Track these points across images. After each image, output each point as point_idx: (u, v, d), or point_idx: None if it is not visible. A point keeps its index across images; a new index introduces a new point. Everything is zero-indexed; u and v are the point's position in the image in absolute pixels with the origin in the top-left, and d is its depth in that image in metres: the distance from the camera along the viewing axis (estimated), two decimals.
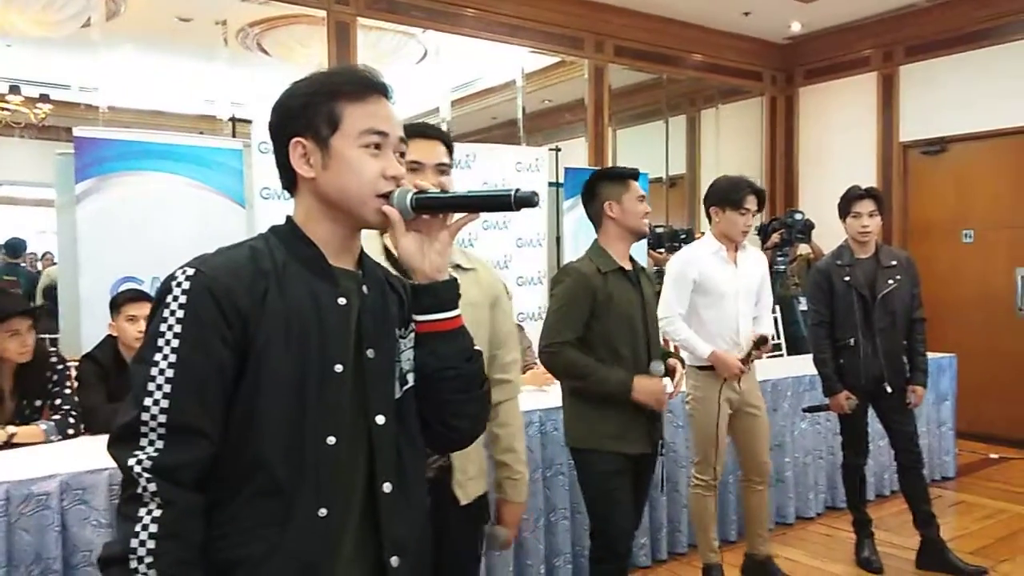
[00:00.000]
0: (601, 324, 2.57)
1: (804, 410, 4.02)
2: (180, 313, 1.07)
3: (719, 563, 3.29)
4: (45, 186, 4.50)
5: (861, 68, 6.83)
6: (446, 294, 1.21)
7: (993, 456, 5.58)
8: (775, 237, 6.14)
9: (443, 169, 1.88)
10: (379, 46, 5.62)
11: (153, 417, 1.04)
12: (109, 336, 3.20)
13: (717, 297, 3.17)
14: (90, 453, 2.57)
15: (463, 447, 1.38)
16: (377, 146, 1.17)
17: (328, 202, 1.18)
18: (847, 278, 3.52)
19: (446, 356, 1.22)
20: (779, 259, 6.08)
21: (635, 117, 7.25)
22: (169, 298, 1.08)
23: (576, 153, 6.22)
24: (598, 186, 2.70)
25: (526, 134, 6.14)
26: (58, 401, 2.98)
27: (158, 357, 1.06)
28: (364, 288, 1.21)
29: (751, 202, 3.16)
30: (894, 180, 6.59)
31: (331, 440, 1.12)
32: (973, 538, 4.00)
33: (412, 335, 1.24)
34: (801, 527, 4.18)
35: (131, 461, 1.04)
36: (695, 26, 6.65)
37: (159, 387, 1.05)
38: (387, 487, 1.18)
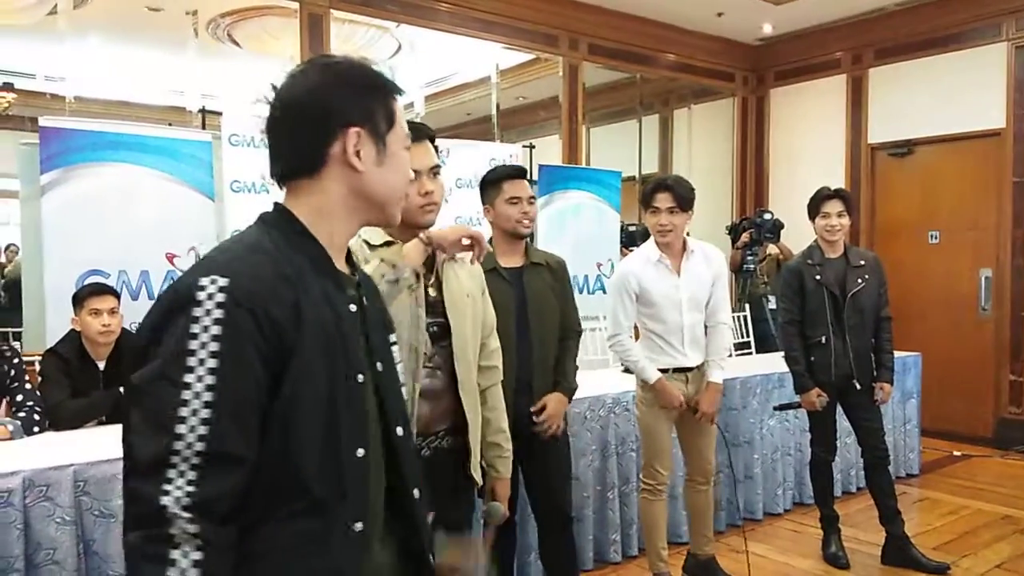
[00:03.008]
0: None
1: (775, 408, 4.06)
2: (216, 329, 0.96)
3: (667, 573, 3.25)
4: (9, 177, 4.40)
5: (831, 70, 6.92)
6: None
7: (956, 453, 5.68)
8: (745, 237, 6.19)
9: (436, 171, 1.90)
10: (352, 39, 5.58)
11: (188, 446, 0.94)
12: (72, 330, 3.15)
13: (658, 309, 3.12)
14: (54, 449, 2.52)
15: None
16: (407, 148, 1.20)
17: (366, 197, 1.14)
18: (818, 277, 3.57)
19: None
20: (749, 258, 6.14)
21: (609, 115, 7.28)
22: (198, 311, 0.97)
23: (550, 150, 6.22)
24: (481, 190, 2.76)
25: (500, 131, 6.13)
26: (19, 397, 2.92)
27: (190, 378, 0.95)
28: (363, 297, 1.18)
29: (661, 200, 3.05)
30: (862, 181, 6.69)
31: (360, 452, 1.08)
32: (936, 534, 4.08)
33: (396, 348, 1.25)
34: (769, 523, 4.22)
35: (164, 499, 0.92)
36: (669, 26, 6.69)
37: (194, 412, 0.94)
38: (416, 493, 1.19)
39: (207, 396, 0.95)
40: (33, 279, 3.82)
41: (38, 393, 2.98)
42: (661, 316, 3.13)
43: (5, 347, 3.04)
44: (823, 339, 3.56)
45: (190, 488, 0.93)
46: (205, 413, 0.94)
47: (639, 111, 7.12)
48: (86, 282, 3.44)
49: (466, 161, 4.91)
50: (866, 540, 3.88)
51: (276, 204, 1.14)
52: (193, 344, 0.96)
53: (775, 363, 4.53)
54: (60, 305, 3.46)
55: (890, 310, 3.70)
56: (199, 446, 0.94)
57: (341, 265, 1.16)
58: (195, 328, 0.96)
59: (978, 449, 5.77)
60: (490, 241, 2.76)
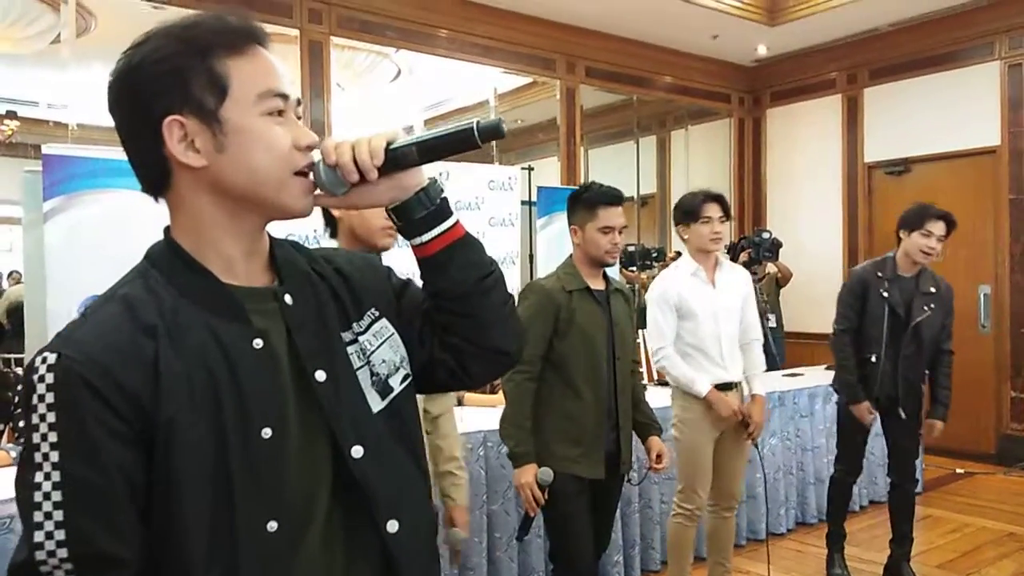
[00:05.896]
0: (563, 344, 2.54)
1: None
2: (51, 417, 0.81)
3: None
4: (12, 204, 4.44)
5: (826, 90, 6.98)
6: (437, 196, 0.97)
7: (959, 471, 5.67)
8: (743, 256, 6.22)
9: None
10: (352, 65, 5.64)
11: (51, 554, 0.80)
12: None
13: (698, 320, 3.08)
14: None
15: (510, 368, 1.13)
16: (280, 112, 0.91)
17: (231, 195, 0.91)
18: (885, 293, 3.40)
19: (478, 264, 1.00)
20: None
21: (607, 137, 7.34)
22: (34, 398, 0.82)
23: (549, 172, 6.27)
24: (572, 206, 2.69)
25: (499, 153, 6.18)
26: (22, 423, 2.92)
27: (38, 477, 0.81)
28: (287, 298, 0.95)
29: (711, 209, 3.09)
30: (859, 200, 6.72)
31: (272, 526, 0.87)
32: (940, 552, 4.06)
33: (378, 324, 1.01)
34: (772, 543, 4.19)
35: None
36: (665, 49, 6.76)
37: (48, 515, 0.80)
38: (392, 526, 0.95)
39: (56, 495, 0.81)
40: (36, 305, 3.83)
41: None
42: (700, 328, 3.07)
43: (9, 373, 3.05)
44: (873, 357, 3.40)
45: None
46: (59, 515, 0.81)
47: (636, 132, 7.18)
48: None
49: (465, 184, 4.94)
50: (869, 559, 3.86)
51: (165, 230, 0.96)
52: (35, 437, 0.82)
53: (775, 382, 4.54)
54: None
55: (952, 343, 3.54)
56: (62, 552, 0.81)
57: (253, 274, 0.95)
58: (34, 418, 0.82)
59: (981, 466, 5.76)
60: (569, 258, 2.72)
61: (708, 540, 3.35)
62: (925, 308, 3.40)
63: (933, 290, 3.45)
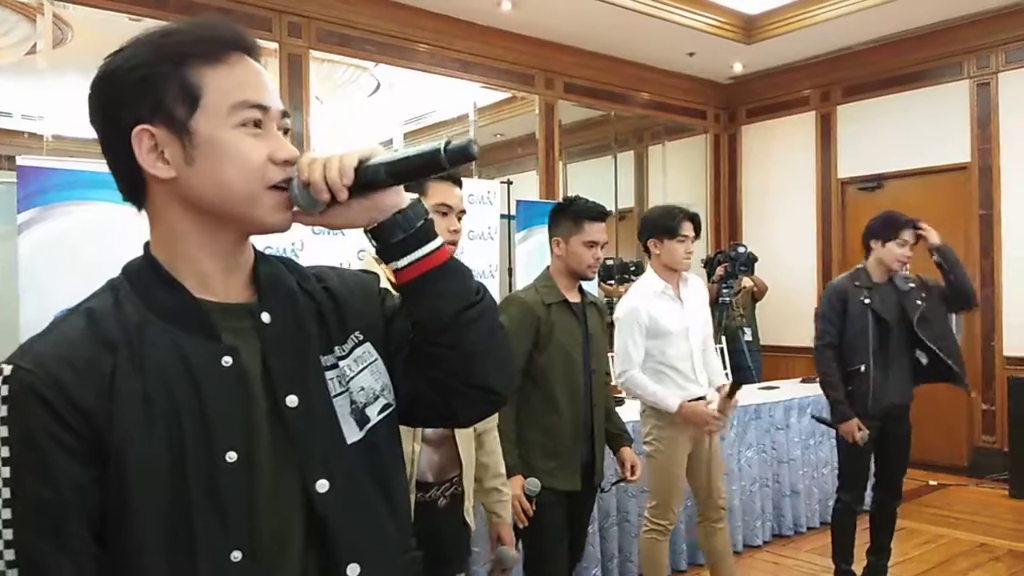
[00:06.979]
0: (542, 357, 2.53)
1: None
2: (3, 431, 0.79)
3: None
4: None
5: (800, 107, 7.09)
6: (418, 219, 0.90)
7: (932, 483, 5.73)
8: (720, 270, 6.28)
9: (463, 214, 2.07)
10: (332, 78, 5.65)
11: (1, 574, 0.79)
12: None
13: (670, 339, 3.05)
14: None
15: (499, 408, 1.04)
16: (257, 123, 0.87)
17: (202, 209, 0.87)
18: (866, 300, 3.36)
19: (460, 294, 0.92)
20: (724, 291, 6.21)
21: (585, 152, 7.39)
22: None
23: (528, 186, 6.30)
24: (557, 217, 2.68)
25: (478, 167, 6.20)
26: None
27: None
28: (264, 316, 0.90)
29: (688, 228, 3.05)
30: (833, 215, 6.82)
31: (236, 556, 0.83)
32: (913, 563, 4.10)
33: (361, 349, 0.96)
34: (749, 555, 4.23)
35: None
36: (642, 66, 6.83)
37: None
38: (353, 570, 0.88)
39: (6, 514, 0.79)
40: (8, 318, 3.78)
41: None
42: (672, 347, 3.05)
43: None
44: (862, 368, 3.32)
45: None
46: (8, 534, 0.78)
47: (614, 147, 7.23)
48: None
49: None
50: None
51: (145, 245, 0.93)
52: None
53: (751, 395, 4.58)
54: None
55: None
56: (12, 574, 0.79)
57: (232, 289, 0.91)
58: None
59: (954, 478, 5.83)
60: (547, 270, 2.71)
61: (706, 555, 3.33)
62: (919, 301, 3.41)
63: (913, 285, 3.47)
